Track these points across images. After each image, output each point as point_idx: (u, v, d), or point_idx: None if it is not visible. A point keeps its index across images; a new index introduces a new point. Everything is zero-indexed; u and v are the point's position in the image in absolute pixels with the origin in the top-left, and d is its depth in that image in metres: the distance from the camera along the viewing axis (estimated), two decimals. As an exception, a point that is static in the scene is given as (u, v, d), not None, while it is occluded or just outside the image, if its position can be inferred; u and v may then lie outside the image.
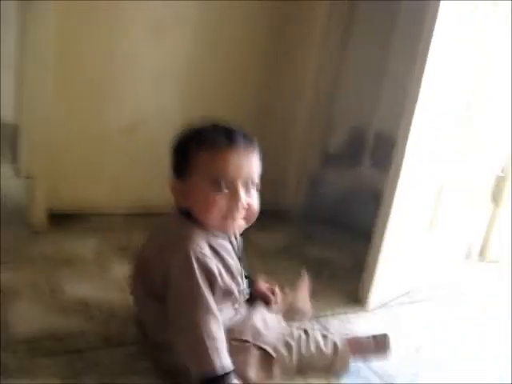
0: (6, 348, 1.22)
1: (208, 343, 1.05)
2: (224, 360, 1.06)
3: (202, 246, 1.11)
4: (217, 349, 1.06)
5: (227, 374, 1.06)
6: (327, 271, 1.86)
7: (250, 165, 1.13)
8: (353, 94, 2.18)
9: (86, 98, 1.89)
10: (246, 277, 1.29)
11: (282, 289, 1.42)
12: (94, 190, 1.99)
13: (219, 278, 1.12)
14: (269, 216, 2.08)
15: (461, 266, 2.08)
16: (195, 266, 1.08)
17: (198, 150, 1.12)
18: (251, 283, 1.33)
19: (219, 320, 1.09)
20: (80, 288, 1.52)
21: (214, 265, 1.11)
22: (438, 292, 1.84)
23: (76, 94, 1.86)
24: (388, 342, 1.31)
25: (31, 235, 1.78)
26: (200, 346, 1.06)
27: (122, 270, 1.58)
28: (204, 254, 1.10)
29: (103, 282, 1.57)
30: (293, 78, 2.17)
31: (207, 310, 1.08)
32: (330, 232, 2.17)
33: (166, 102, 2.02)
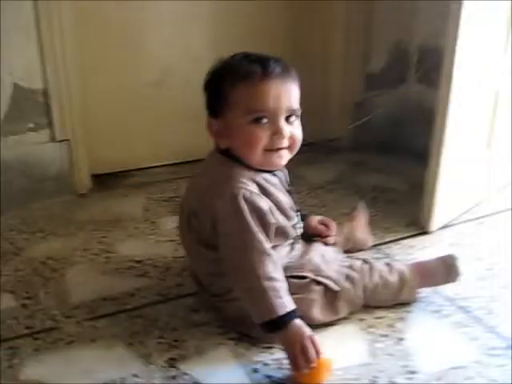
0: (65, 315, 1.21)
1: (265, 285, 1.00)
2: (284, 299, 1.01)
3: (248, 184, 1.05)
4: (275, 289, 1.01)
5: (289, 313, 1.00)
6: (383, 198, 1.77)
7: (290, 93, 1.05)
8: (391, 5, 2.02)
9: (113, 53, 1.83)
10: (298, 212, 1.23)
11: (337, 221, 1.36)
12: (133, 145, 1.96)
13: (271, 216, 1.06)
14: (315, 149, 2.06)
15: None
16: (243, 206, 1.02)
17: (232, 83, 1.04)
18: (304, 219, 1.26)
19: (275, 260, 1.03)
20: (132, 246, 1.50)
21: (264, 202, 1.05)
22: (502, 206, 1.73)
23: (102, 49, 1.81)
24: (457, 263, 1.22)
25: (77, 200, 1.77)
26: (257, 288, 1.01)
27: (171, 222, 1.56)
28: (252, 192, 1.04)
29: (155, 237, 1.55)
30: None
31: (261, 251, 1.02)
32: (381, 158, 2.07)
33: (195, 46, 1.94)
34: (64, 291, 1.29)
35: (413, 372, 1.04)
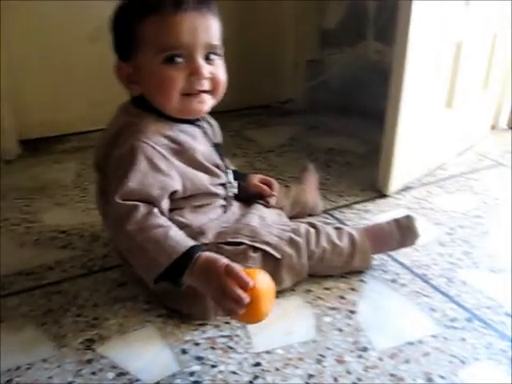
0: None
1: (139, 239, 0.84)
2: (168, 244, 0.84)
3: (154, 142, 0.91)
4: (151, 240, 0.84)
5: (181, 257, 0.83)
6: (339, 161, 1.65)
7: (208, 28, 0.91)
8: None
9: (42, 5, 1.63)
10: (233, 172, 1.09)
11: (285, 184, 1.22)
12: (67, 107, 1.78)
13: (180, 181, 0.93)
14: (268, 111, 1.91)
15: (488, 137, 1.84)
16: (138, 160, 0.88)
17: (140, 18, 0.90)
18: (242, 178, 1.13)
19: (143, 209, 0.86)
20: (57, 215, 1.34)
21: (169, 164, 0.92)
22: (464, 168, 1.62)
23: (28, 1, 1.60)
24: (414, 225, 1.10)
25: (2, 167, 1.59)
26: (133, 246, 0.85)
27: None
28: (156, 151, 0.90)
29: (84, 205, 1.39)
30: None
31: (127, 205, 0.86)
32: (338, 120, 1.94)
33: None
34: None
35: (364, 349, 0.92)
